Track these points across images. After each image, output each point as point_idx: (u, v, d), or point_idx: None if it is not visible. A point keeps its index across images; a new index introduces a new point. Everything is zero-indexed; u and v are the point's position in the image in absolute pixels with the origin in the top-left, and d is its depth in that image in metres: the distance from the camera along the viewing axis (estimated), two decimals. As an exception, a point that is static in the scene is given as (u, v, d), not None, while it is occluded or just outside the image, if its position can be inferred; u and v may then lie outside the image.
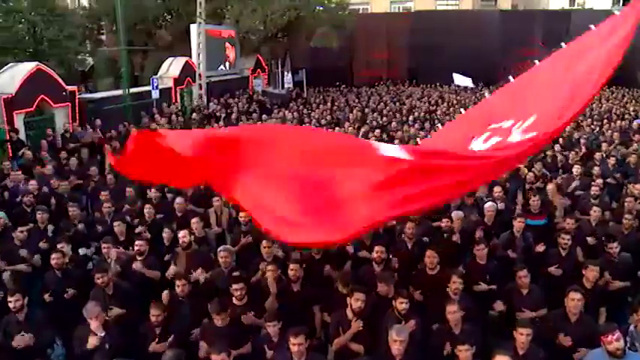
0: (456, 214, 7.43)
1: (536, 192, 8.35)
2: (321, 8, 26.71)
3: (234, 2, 25.52)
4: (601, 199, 8.61)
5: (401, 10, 36.62)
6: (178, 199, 8.45)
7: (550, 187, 8.81)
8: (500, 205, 8.39)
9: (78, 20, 23.61)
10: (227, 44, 24.26)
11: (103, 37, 31.33)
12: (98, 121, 14.20)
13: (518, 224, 7.09)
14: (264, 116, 17.48)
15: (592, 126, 16.00)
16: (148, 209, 8.05)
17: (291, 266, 5.77)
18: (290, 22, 26.17)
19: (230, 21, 25.73)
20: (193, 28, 21.57)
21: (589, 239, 7.18)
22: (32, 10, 21.15)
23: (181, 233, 6.73)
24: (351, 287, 5.24)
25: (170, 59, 20.56)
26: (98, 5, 26.91)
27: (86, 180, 10.51)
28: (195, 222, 7.50)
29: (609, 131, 14.86)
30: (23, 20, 20.79)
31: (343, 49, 30.89)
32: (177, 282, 5.72)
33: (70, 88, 14.28)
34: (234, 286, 5.45)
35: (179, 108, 19.18)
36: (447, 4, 35.96)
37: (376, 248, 6.18)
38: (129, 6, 26.62)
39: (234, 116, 17.29)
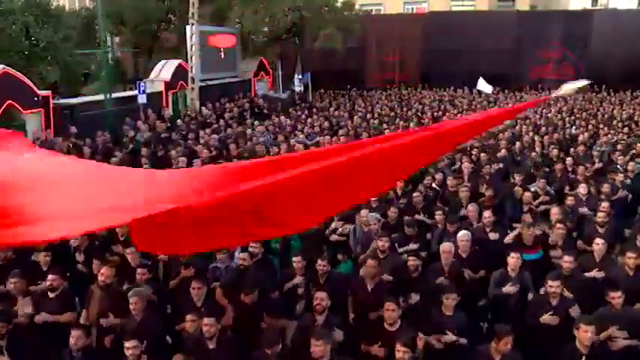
0: (446, 246, 6.22)
1: (530, 220, 7.09)
2: (326, 8, 25.59)
3: (236, 3, 24.59)
4: (610, 226, 7.33)
5: (414, 11, 35.33)
6: (121, 222, 7.44)
7: (555, 210, 7.53)
8: (493, 235, 7.19)
9: (73, 21, 22.82)
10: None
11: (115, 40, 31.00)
12: (73, 129, 13.33)
13: (512, 261, 5.88)
14: (255, 122, 16.46)
15: (609, 135, 14.54)
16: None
17: (205, 320, 4.68)
18: (295, 23, 25.18)
19: (232, 22, 24.84)
20: (188, 29, 20.65)
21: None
22: (25, 11, 20.53)
23: (105, 270, 5.70)
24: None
25: (162, 62, 19.70)
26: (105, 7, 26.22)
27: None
28: (130, 252, 6.49)
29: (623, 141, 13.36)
30: (16, 21, 20.17)
31: (354, 51, 29.71)
32: (72, 332, 4.69)
33: (43, 93, 13.43)
34: (126, 345, 4.40)
35: (171, 113, 18.32)
36: (463, 5, 34.54)
37: (316, 294, 5.08)
38: (131, 7, 26.07)
39: (222, 122, 16.29)
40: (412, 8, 35.81)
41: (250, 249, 6.42)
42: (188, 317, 4.99)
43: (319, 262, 5.96)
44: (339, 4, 26.59)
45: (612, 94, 25.27)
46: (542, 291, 5.55)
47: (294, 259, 6.12)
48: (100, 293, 5.57)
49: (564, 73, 29.53)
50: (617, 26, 27.79)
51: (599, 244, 6.24)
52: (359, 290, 5.77)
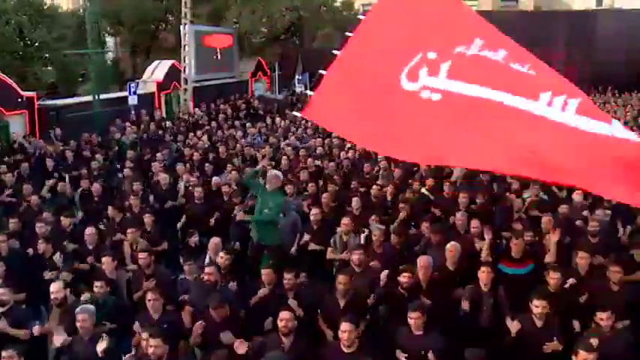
0: (423, 260, 5.74)
1: (521, 230, 6.66)
2: (324, 8, 25.26)
3: (233, 3, 24.30)
4: (602, 237, 6.87)
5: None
6: (88, 230, 7.09)
7: (545, 220, 7.08)
8: (480, 245, 6.74)
9: (68, 21, 22.53)
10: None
11: (108, 40, 30.74)
12: (58, 131, 13.00)
13: (482, 275, 5.44)
14: (248, 124, 16.09)
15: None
16: (42, 244, 6.69)
17: (151, 342, 4.28)
18: (293, 23, 24.87)
19: (229, 22, 24.53)
20: (182, 29, 20.35)
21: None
22: (18, 11, 20.28)
23: (53, 286, 5.33)
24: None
25: (155, 62, 19.40)
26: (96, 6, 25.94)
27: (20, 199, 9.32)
28: (106, 261, 6.12)
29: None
30: (9, 21, 19.91)
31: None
32: (2, 352, 4.33)
33: (27, 94, 13.11)
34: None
35: (163, 115, 17.99)
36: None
37: (280, 315, 4.69)
38: (128, 7, 25.80)
39: (214, 124, 15.94)
40: (414, 8, 35.36)
41: (219, 260, 6.07)
42: (143, 334, 4.62)
43: (285, 275, 5.57)
44: (337, 4, 26.23)
45: (617, 95, 24.73)
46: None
47: (262, 270, 5.73)
48: (55, 310, 5.21)
49: (568, 75, 28.95)
50: (622, 26, 27.24)
51: (582, 258, 5.78)
52: (331, 307, 5.38)
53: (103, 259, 6.16)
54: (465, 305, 5.27)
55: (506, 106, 4.21)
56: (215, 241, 6.58)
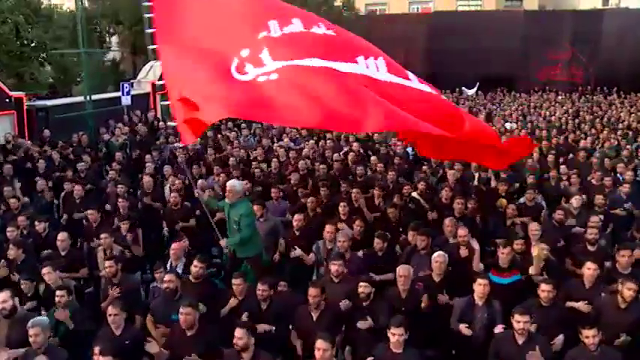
0: (403, 269, 5.43)
1: (513, 236, 6.34)
2: (324, 8, 24.94)
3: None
4: (601, 244, 6.52)
5: (419, 11, 34.51)
6: (60, 235, 6.81)
7: (533, 227, 6.63)
8: (466, 253, 6.40)
9: (66, 21, 22.32)
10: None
11: (113, 40, 30.53)
12: (46, 132, 12.73)
13: (479, 288, 5.10)
14: (243, 125, 15.77)
15: (612, 139, 13.51)
16: (13, 250, 6.41)
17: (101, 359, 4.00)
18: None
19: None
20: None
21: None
22: (15, 10, 20.07)
23: (1, 296, 5.04)
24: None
25: (151, 62, 19.10)
26: (96, 6, 25.87)
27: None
28: (47, 272, 5.74)
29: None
30: (6, 20, 19.71)
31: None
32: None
33: (15, 94, 12.85)
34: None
35: (159, 116, 17.70)
36: (469, 5, 33.64)
37: (235, 331, 4.37)
38: (126, 7, 25.60)
39: (207, 125, 15.63)
40: (417, 8, 34.98)
41: (193, 269, 5.76)
42: (95, 349, 4.33)
43: (259, 286, 5.26)
44: (338, 4, 25.92)
45: (623, 96, 24.24)
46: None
47: (233, 280, 5.43)
48: (3, 322, 4.92)
49: (573, 75, 28.59)
50: (629, 26, 26.77)
51: (590, 269, 5.31)
52: (304, 320, 5.08)
53: (43, 270, 5.74)
54: (466, 332, 4.99)
55: (336, 70, 4.96)
56: (176, 246, 6.27)
